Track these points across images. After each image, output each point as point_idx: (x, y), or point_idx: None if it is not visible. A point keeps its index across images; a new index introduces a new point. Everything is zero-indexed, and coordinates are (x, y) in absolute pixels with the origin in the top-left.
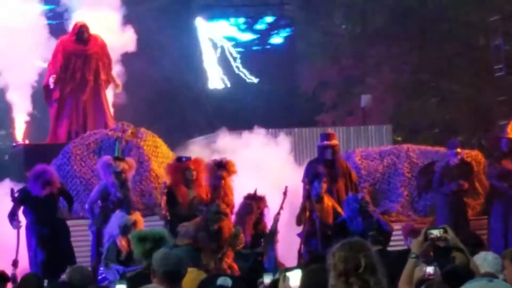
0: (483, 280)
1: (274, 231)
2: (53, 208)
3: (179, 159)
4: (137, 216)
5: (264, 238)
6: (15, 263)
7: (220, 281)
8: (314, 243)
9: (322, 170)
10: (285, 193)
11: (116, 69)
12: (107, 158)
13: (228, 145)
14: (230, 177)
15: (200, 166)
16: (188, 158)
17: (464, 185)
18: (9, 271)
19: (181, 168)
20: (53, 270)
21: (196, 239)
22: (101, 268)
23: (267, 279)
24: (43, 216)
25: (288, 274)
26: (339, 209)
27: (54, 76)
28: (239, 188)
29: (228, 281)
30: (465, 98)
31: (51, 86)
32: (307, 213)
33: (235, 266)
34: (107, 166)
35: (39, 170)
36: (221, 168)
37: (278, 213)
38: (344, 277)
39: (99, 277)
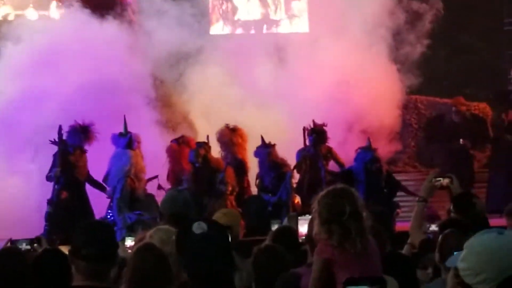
0: (493, 232)
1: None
2: None
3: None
4: (135, 151)
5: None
6: None
7: (195, 227)
8: None
9: None
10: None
11: None
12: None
13: None
14: None
15: None
16: None
17: (467, 144)
18: None
19: None
20: None
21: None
22: (110, 211)
23: (274, 226)
24: None
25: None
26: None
27: None
28: None
29: (203, 226)
30: (472, 53)
31: None
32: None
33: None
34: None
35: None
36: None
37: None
38: (327, 224)
39: (109, 219)
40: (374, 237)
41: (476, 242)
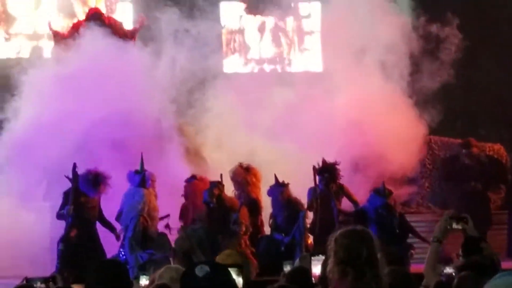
0: None
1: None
2: None
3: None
4: (148, 190)
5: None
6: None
7: (197, 270)
8: None
9: None
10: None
11: None
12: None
13: None
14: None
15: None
16: None
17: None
18: None
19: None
20: None
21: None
22: (122, 250)
23: (286, 266)
24: None
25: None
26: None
27: None
28: None
29: (206, 268)
30: (488, 90)
31: None
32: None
33: (247, 251)
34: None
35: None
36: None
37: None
38: (343, 265)
39: (121, 257)
40: (402, 280)
41: (499, 285)
